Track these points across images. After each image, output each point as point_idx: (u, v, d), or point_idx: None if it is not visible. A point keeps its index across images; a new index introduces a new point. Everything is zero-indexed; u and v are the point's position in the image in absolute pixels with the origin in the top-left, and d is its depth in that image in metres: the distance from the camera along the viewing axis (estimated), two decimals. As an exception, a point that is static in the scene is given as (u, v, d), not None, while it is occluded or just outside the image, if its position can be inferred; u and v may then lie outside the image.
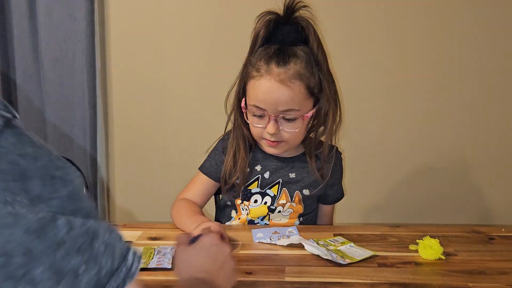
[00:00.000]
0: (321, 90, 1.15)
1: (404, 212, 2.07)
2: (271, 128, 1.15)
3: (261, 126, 1.17)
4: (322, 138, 1.28)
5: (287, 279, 0.92)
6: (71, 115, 2.02)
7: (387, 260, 1.00)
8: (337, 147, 1.32)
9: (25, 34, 1.99)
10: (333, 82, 1.18)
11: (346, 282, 0.90)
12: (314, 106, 1.17)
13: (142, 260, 0.98)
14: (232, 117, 1.25)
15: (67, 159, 1.84)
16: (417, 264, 0.98)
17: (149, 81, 2.07)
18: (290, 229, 1.17)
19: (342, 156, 1.34)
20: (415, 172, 2.06)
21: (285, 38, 1.13)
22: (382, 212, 2.08)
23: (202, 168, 1.32)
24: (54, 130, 2.03)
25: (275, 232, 1.15)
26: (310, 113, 1.16)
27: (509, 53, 1.96)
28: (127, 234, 1.19)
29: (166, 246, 1.09)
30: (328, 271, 0.95)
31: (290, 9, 1.12)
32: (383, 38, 1.98)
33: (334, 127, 1.21)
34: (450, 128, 2.02)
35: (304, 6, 1.13)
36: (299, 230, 1.17)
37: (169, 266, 0.98)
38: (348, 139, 2.04)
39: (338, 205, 2.07)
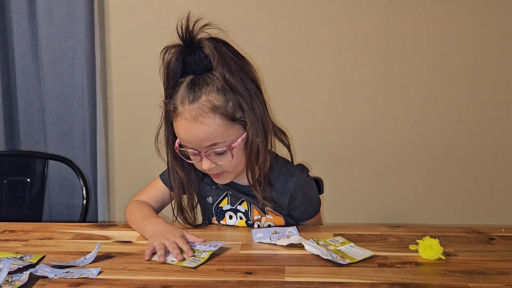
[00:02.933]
0: (244, 111, 1.07)
1: (404, 212, 2.07)
2: (204, 165, 1.10)
3: (198, 162, 1.12)
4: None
5: (287, 279, 0.92)
6: (71, 114, 2.02)
7: (387, 260, 1.00)
8: (300, 171, 1.22)
9: (25, 34, 2.00)
10: (257, 96, 1.09)
11: (346, 282, 0.90)
12: (245, 129, 1.09)
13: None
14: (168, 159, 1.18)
15: (67, 159, 1.83)
16: (417, 264, 0.98)
17: (149, 81, 2.06)
18: (290, 229, 1.17)
19: (307, 176, 1.23)
20: (416, 172, 2.06)
21: (195, 68, 1.07)
22: (382, 212, 2.08)
23: (163, 177, 1.28)
24: (54, 129, 2.03)
25: (275, 232, 1.15)
26: (239, 141, 1.09)
27: (509, 53, 1.96)
28: (127, 234, 1.19)
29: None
30: (328, 271, 0.95)
31: (187, 37, 1.06)
32: (380, 37, 1.98)
33: (265, 144, 1.11)
34: (450, 128, 2.02)
35: (204, 26, 1.06)
36: (299, 230, 1.17)
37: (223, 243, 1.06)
38: (348, 139, 2.05)
39: (339, 205, 2.08)
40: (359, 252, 1.03)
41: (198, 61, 1.06)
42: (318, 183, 1.45)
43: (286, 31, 1.99)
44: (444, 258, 1.00)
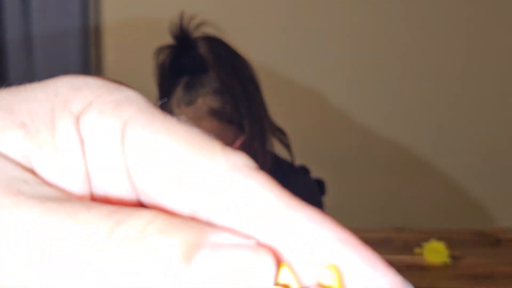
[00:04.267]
0: (241, 113, 1.04)
1: (410, 215, 2.05)
2: None
3: None
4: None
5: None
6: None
7: (392, 264, 0.97)
8: (301, 172, 1.20)
9: (18, 30, 2.00)
10: (255, 97, 1.07)
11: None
12: (243, 130, 1.05)
13: None
14: None
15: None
16: (422, 268, 0.97)
17: (146, 79, 2.05)
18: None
19: (309, 178, 1.20)
20: (421, 173, 2.04)
21: (190, 69, 1.03)
22: (387, 214, 2.06)
23: None
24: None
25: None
26: (237, 143, 1.05)
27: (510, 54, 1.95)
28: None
29: None
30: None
31: (181, 37, 1.02)
32: (383, 36, 1.97)
33: (263, 145, 1.07)
34: (456, 128, 2.01)
35: (198, 25, 1.03)
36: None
37: None
38: (351, 139, 2.03)
39: (341, 207, 2.05)
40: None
41: (193, 62, 1.03)
42: (320, 184, 1.43)
43: (286, 28, 1.98)
44: (450, 261, 0.99)
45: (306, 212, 0.15)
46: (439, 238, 1.04)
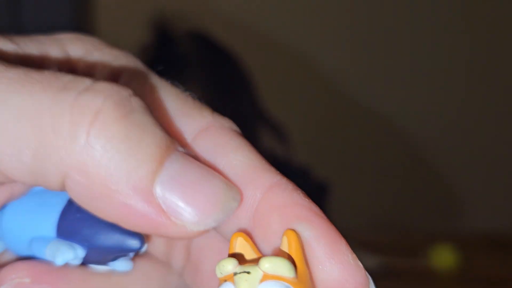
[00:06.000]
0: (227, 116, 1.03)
1: (416, 217, 2.03)
2: None
3: None
4: None
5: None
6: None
7: (397, 269, 0.96)
8: (301, 174, 1.20)
9: (10, 28, 1.98)
10: (242, 97, 1.06)
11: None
12: None
13: None
14: None
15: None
16: (429, 273, 0.95)
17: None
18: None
19: (309, 179, 1.19)
20: (426, 173, 2.02)
21: (171, 68, 1.00)
22: (391, 217, 2.04)
23: None
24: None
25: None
26: None
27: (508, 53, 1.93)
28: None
29: None
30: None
31: (162, 34, 1.02)
32: (383, 34, 1.95)
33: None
34: (462, 126, 1.99)
35: (182, 20, 1.03)
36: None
37: None
38: (353, 138, 2.00)
39: (344, 208, 2.02)
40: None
41: (175, 60, 1.01)
42: (323, 189, 1.40)
43: (282, 21, 1.95)
44: (458, 266, 0.97)
45: (278, 178, 0.16)
46: (447, 241, 1.03)
